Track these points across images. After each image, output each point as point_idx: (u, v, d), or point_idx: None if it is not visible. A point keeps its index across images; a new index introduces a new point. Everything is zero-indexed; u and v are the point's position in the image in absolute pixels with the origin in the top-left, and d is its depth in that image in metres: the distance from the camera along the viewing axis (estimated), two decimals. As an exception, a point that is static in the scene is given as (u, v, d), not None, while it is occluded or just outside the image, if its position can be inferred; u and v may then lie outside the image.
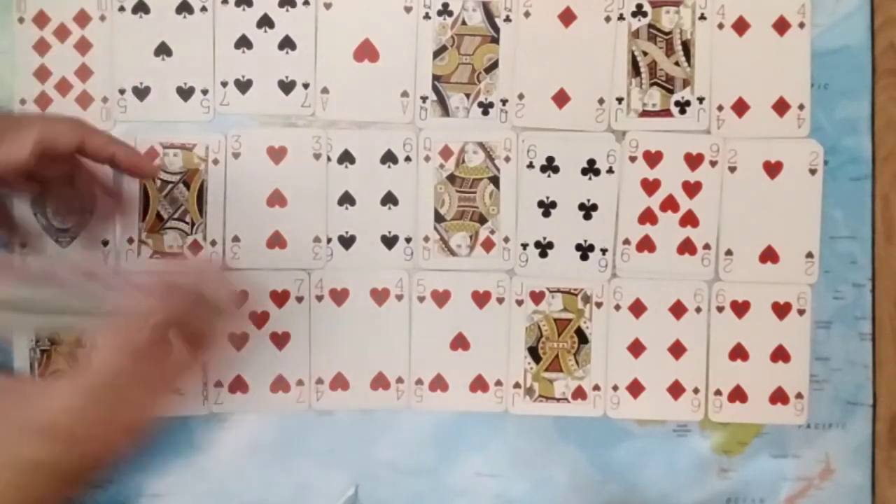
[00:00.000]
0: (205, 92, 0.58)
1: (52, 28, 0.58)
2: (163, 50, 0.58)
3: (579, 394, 0.59)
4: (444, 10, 0.59)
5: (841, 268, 0.59)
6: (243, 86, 0.58)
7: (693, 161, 0.59)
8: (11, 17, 0.58)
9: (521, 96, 0.59)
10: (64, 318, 0.45)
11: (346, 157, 0.59)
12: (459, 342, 0.59)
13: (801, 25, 0.59)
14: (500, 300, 0.59)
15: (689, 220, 0.59)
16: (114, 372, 0.43)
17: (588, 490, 0.60)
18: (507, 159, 0.59)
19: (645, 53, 0.59)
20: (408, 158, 0.59)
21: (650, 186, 0.59)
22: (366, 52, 0.59)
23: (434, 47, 0.59)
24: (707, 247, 0.59)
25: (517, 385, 0.59)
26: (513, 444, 0.60)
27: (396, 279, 0.59)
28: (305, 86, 0.59)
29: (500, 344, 0.59)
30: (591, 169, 0.59)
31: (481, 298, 0.59)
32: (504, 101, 0.59)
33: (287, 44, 0.58)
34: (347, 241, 0.59)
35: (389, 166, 0.59)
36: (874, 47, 0.59)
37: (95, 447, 0.43)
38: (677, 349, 0.59)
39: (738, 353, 0.59)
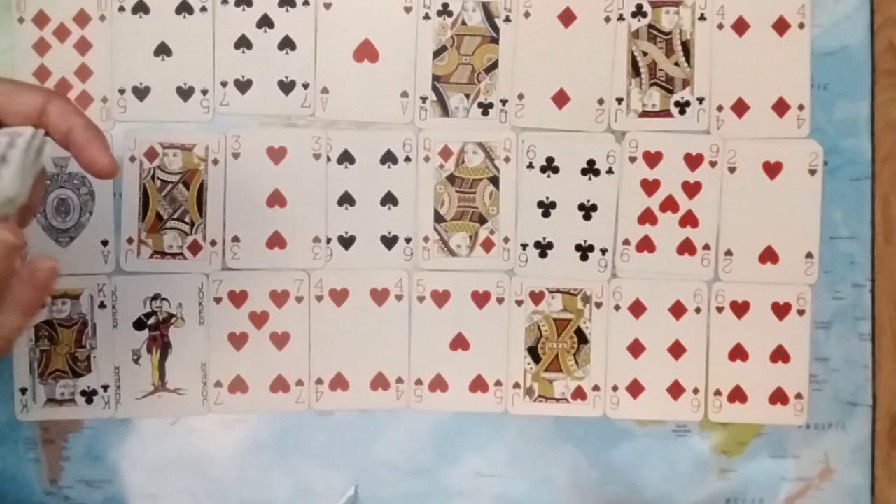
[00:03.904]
0: (205, 92, 0.58)
1: (52, 28, 0.58)
2: (163, 50, 0.58)
3: (579, 394, 0.59)
4: (444, 11, 0.59)
5: (841, 268, 0.59)
6: (243, 86, 0.58)
7: (693, 161, 0.59)
8: (11, 17, 0.58)
9: (520, 96, 0.59)
10: None
11: (346, 157, 0.59)
12: (459, 342, 0.59)
13: (801, 26, 0.59)
14: (500, 300, 0.59)
15: (689, 220, 0.59)
16: None
17: (588, 490, 0.60)
18: (507, 159, 0.59)
19: (645, 54, 0.59)
20: (408, 158, 0.59)
21: (650, 187, 0.59)
22: (366, 52, 0.59)
23: (434, 47, 0.59)
24: (707, 247, 0.59)
25: (517, 385, 0.59)
26: (513, 444, 0.60)
27: (396, 279, 0.59)
28: (305, 86, 0.59)
29: (499, 344, 0.59)
30: (590, 169, 0.59)
31: (481, 299, 0.59)
32: (504, 102, 0.59)
33: (287, 44, 0.58)
34: (347, 242, 0.59)
35: (389, 166, 0.59)
36: (874, 48, 0.59)
37: None
38: (677, 349, 0.59)
39: (738, 353, 0.59)
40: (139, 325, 0.58)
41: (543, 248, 0.59)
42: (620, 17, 0.59)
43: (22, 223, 0.44)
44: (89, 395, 0.58)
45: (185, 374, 0.58)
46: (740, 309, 0.59)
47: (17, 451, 0.58)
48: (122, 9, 0.58)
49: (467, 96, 0.59)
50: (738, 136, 0.59)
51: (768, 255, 0.59)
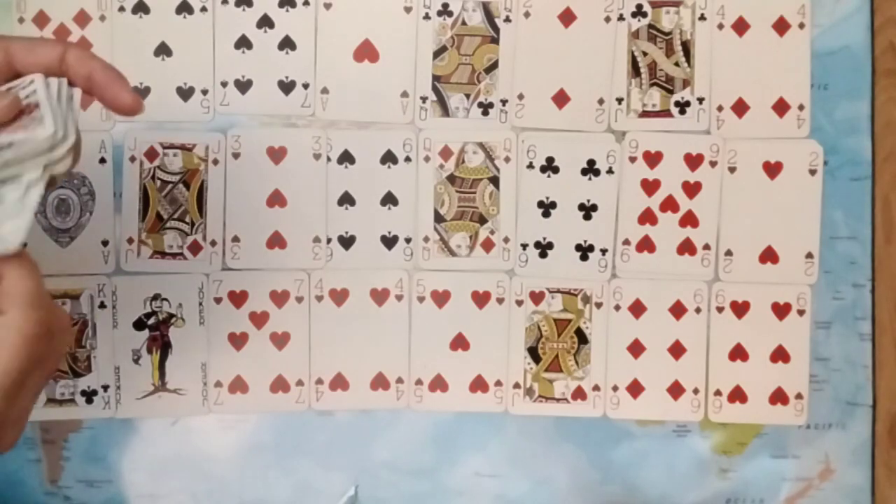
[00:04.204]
0: (205, 92, 0.58)
1: (52, 28, 0.58)
2: (163, 50, 0.58)
3: (579, 394, 0.59)
4: (444, 11, 0.59)
5: (841, 268, 0.59)
6: (243, 86, 0.58)
7: (693, 161, 0.59)
8: (11, 17, 0.58)
9: (520, 96, 0.59)
10: None
11: (346, 158, 0.59)
12: (459, 342, 0.59)
13: (801, 26, 0.59)
14: (500, 300, 0.59)
15: (689, 220, 0.59)
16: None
17: (588, 490, 0.60)
18: (507, 159, 0.59)
19: (645, 54, 0.59)
20: (408, 159, 0.59)
21: (650, 187, 0.59)
22: (366, 52, 0.59)
23: (434, 47, 0.59)
24: (707, 247, 0.59)
25: (517, 385, 0.59)
26: (513, 444, 0.60)
27: (396, 279, 0.59)
28: (305, 86, 0.59)
29: (499, 344, 0.59)
30: (590, 169, 0.59)
31: (481, 299, 0.59)
32: (504, 102, 0.59)
33: (287, 44, 0.58)
34: (347, 242, 0.59)
35: (389, 166, 0.59)
36: (874, 48, 0.59)
37: None
38: (677, 349, 0.59)
39: (738, 353, 0.59)
40: (139, 325, 0.58)
41: (543, 248, 0.59)
42: (620, 17, 0.59)
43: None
44: (89, 395, 0.58)
45: (185, 374, 0.58)
46: (740, 309, 0.59)
47: (17, 451, 0.58)
48: (122, 9, 0.58)
49: (467, 96, 0.59)
50: (738, 136, 0.59)
51: (768, 255, 0.59)
